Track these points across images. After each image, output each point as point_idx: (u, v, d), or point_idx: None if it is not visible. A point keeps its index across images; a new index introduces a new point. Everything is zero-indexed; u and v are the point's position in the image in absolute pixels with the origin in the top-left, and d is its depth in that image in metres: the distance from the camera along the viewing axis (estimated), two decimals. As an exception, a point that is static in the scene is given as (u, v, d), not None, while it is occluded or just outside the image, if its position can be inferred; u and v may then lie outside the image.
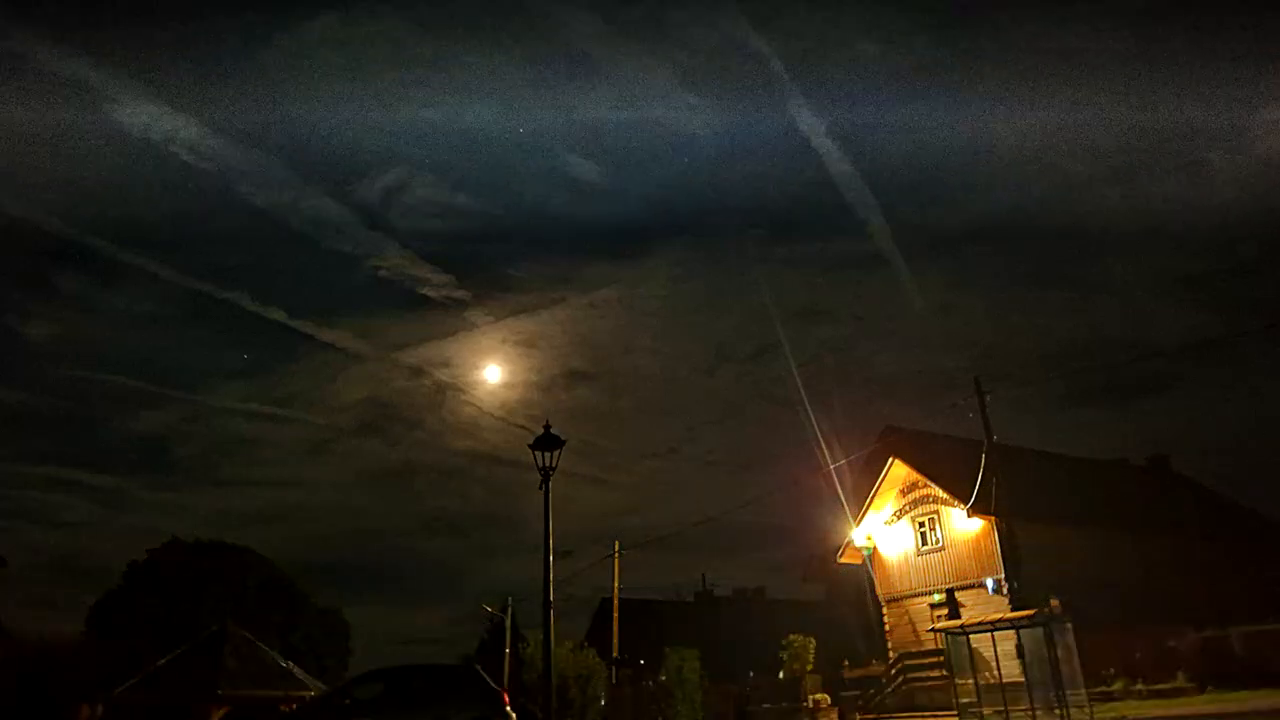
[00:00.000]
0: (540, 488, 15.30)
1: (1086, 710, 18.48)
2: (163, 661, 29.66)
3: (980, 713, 20.31)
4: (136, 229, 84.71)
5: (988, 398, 22.64)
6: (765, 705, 31.59)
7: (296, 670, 32.19)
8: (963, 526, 29.13)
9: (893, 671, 29.31)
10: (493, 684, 15.83)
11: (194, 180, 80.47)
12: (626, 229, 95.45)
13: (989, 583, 27.71)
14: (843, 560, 34.64)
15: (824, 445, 32.19)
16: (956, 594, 29.09)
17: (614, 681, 34.17)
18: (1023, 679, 19.30)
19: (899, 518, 32.19)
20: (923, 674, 28.02)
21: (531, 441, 15.43)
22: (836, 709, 29.22)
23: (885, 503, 32.67)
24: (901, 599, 31.72)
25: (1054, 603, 19.52)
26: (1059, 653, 18.43)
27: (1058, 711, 18.09)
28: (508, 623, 46.44)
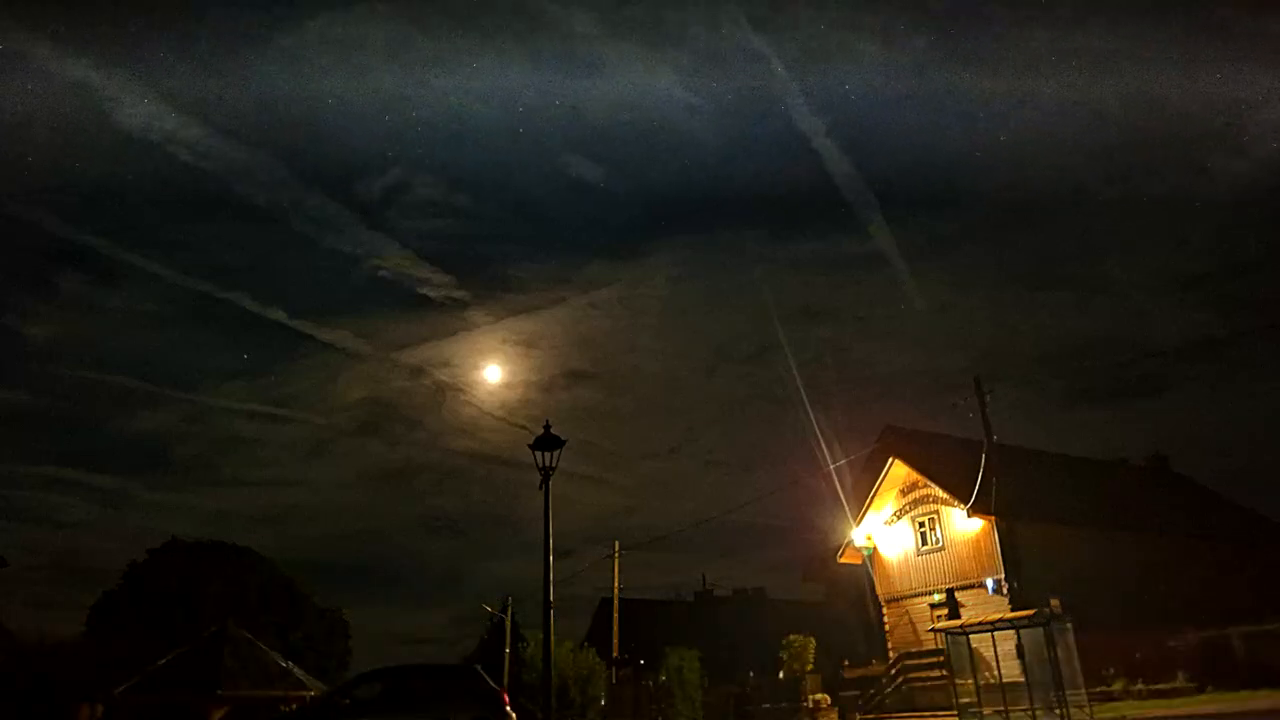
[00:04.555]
0: (540, 488, 15.29)
1: (1086, 710, 18.48)
2: (163, 661, 29.66)
3: (980, 713, 20.30)
4: (136, 229, 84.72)
5: (988, 398, 22.63)
6: (765, 705, 31.59)
7: (296, 670, 32.19)
8: (963, 526, 29.13)
9: (893, 671, 29.30)
10: (493, 684, 15.83)
11: (194, 180, 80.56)
12: (626, 229, 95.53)
13: (989, 583, 27.70)
14: (843, 560, 34.62)
15: (824, 445, 32.22)
16: (956, 594, 29.08)
17: (614, 681, 34.19)
18: (1023, 679, 19.30)
19: (899, 518, 32.18)
20: (923, 674, 28.01)
21: (531, 441, 15.41)
22: (836, 709, 29.23)
23: (885, 503, 32.65)
24: (901, 599, 31.71)
25: (1054, 603, 19.50)
26: (1059, 653, 18.42)
27: (1058, 711, 18.08)
28: (508, 623, 46.48)
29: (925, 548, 31.01)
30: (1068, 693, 18.16)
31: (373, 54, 78.23)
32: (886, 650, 31.62)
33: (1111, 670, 23.29)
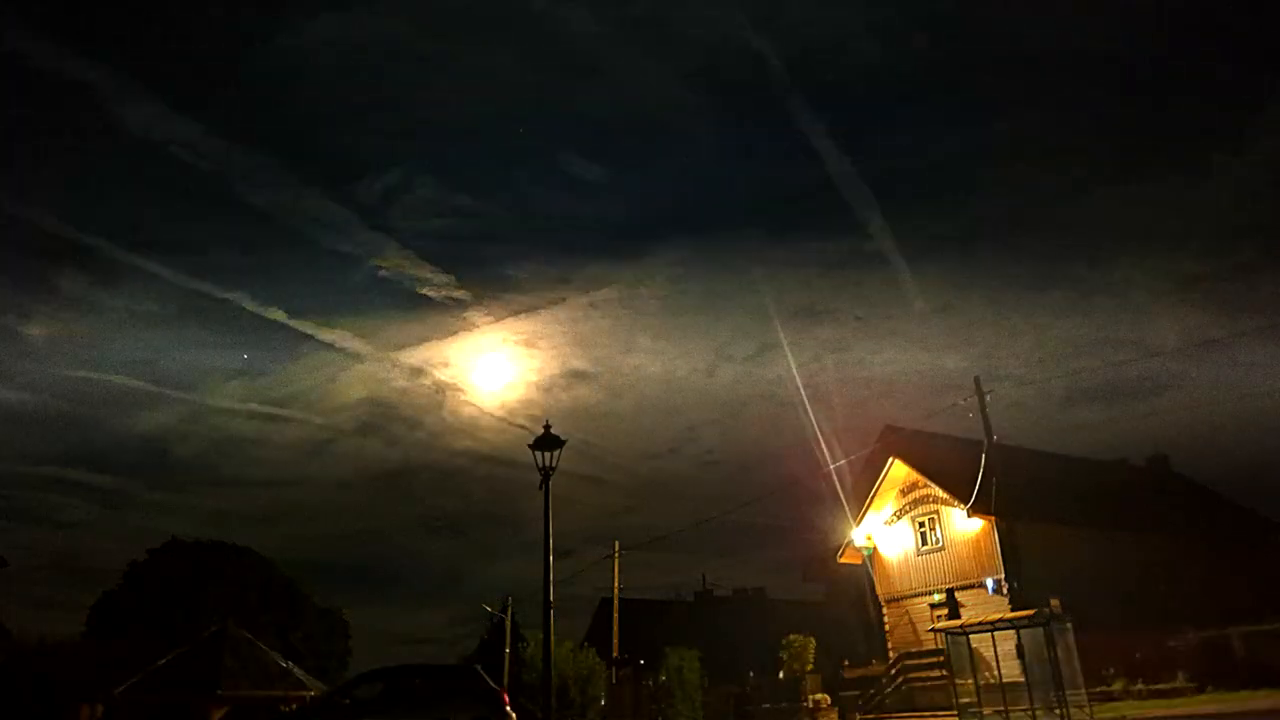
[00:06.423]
0: (540, 488, 15.29)
1: (1086, 710, 18.49)
2: (163, 661, 29.63)
3: (980, 713, 20.31)
4: (136, 229, 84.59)
5: (988, 398, 22.64)
6: (765, 705, 31.60)
7: (296, 670, 32.16)
8: (963, 526, 29.13)
9: (893, 671, 29.31)
10: (493, 684, 15.85)
11: (194, 180, 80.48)
12: (626, 229, 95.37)
13: (989, 583, 27.71)
14: (843, 560, 34.62)
15: (824, 445, 32.24)
16: (956, 594, 29.08)
17: (614, 681, 34.19)
18: (1023, 679, 19.31)
19: (899, 518, 32.18)
20: (923, 674, 28.01)
21: (531, 441, 15.42)
22: (836, 709, 29.24)
23: (885, 503, 32.65)
24: (901, 599, 31.71)
25: (1054, 603, 19.51)
26: (1059, 653, 18.43)
27: (1058, 711, 18.09)
28: (507, 623, 46.49)
29: (925, 548, 31.02)
30: (1068, 693, 18.17)
31: (372, 54, 78.29)
32: (886, 650, 31.62)
33: (1111, 670, 23.29)
